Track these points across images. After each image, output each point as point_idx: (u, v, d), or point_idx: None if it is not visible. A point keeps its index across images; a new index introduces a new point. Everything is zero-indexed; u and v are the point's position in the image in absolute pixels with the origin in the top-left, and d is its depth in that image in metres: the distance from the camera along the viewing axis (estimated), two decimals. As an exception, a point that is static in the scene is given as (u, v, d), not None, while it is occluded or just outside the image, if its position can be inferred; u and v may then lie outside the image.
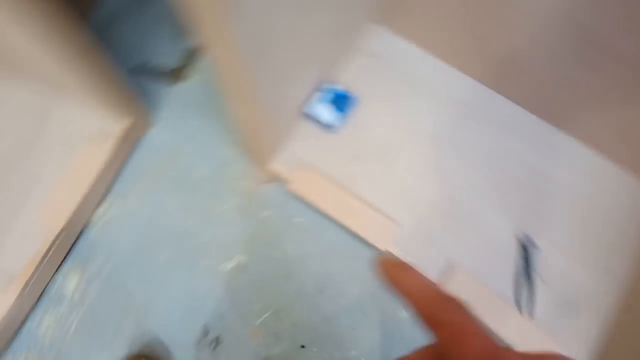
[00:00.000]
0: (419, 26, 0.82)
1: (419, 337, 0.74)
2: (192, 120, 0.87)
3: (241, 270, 0.80)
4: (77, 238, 0.78)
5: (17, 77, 0.79)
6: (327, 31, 0.68)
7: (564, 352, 0.24)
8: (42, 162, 0.76)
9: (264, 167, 0.79)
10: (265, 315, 0.77)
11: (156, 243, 0.80)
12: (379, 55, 0.84)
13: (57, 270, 0.76)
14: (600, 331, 0.71)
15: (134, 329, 0.75)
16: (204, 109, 0.88)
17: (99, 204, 0.80)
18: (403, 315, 0.77)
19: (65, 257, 0.77)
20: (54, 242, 0.71)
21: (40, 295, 0.75)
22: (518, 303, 0.70)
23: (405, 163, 0.78)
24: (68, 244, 0.76)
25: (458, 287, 0.71)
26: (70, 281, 0.77)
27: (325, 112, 0.77)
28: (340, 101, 0.78)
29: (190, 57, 0.91)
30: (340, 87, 0.79)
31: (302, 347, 0.76)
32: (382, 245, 0.74)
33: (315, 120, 0.78)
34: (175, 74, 0.90)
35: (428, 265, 0.73)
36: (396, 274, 0.26)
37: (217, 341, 0.76)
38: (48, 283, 0.75)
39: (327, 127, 0.78)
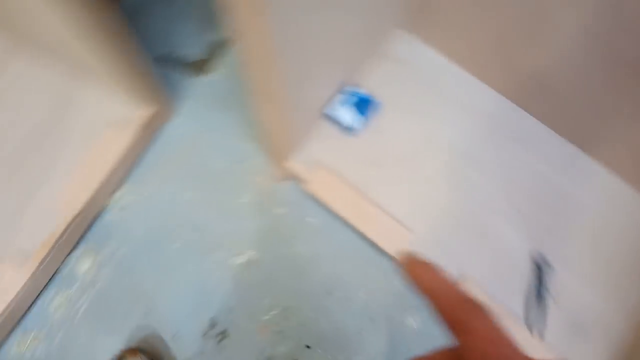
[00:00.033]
0: (446, 35, 0.80)
1: (425, 347, 0.73)
2: (213, 113, 0.87)
3: (252, 266, 0.79)
4: (93, 221, 0.78)
5: (44, 58, 0.79)
6: (355, 33, 0.67)
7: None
8: (63, 143, 0.76)
9: (281, 165, 0.78)
10: (272, 313, 0.77)
11: (170, 232, 0.80)
12: (405, 61, 0.82)
13: (71, 251, 0.76)
14: (611, 354, 0.70)
15: (142, 316, 0.75)
16: (225, 103, 0.88)
17: (116, 189, 0.80)
18: (410, 324, 0.76)
19: (79, 239, 0.77)
20: (70, 223, 0.71)
21: (53, 275, 0.75)
22: (528, 322, 0.69)
23: (423, 171, 0.77)
24: (84, 226, 0.76)
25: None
26: (83, 263, 0.77)
27: (346, 114, 0.76)
28: (363, 105, 0.77)
29: (215, 50, 0.91)
30: (363, 90, 0.78)
31: (308, 347, 0.75)
32: (393, 252, 0.73)
33: (336, 122, 0.77)
34: (199, 65, 0.89)
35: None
36: (420, 273, 0.26)
37: (223, 334, 0.75)
38: (61, 263, 0.76)
39: (347, 129, 0.77)
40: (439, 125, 0.80)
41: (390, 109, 0.80)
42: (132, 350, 0.70)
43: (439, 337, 0.69)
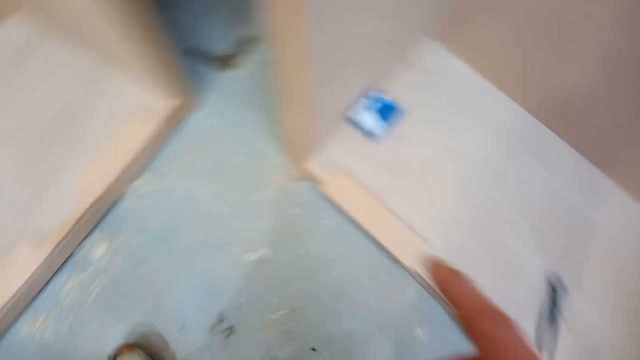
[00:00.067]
0: (475, 48, 0.79)
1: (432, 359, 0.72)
2: (236, 109, 0.86)
3: (263, 263, 0.78)
4: (110, 208, 0.78)
5: (76, 43, 0.79)
6: (386, 39, 0.66)
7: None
8: (88, 128, 0.75)
9: (300, 165, 0.77)
10: (281, 312, 0.75)
11: (185, 224, 0.79)
12: (432, 71, 0.81)
13: (87, 236, 0.76)
14: (619, 384, 0.68)
15: (151, 305, 0.74)
16: (248, 100, 0.87)
17: (135, 178, 0.80)
18: (418, 335, 0.74)
19: (96, 225, 0.77)
20: (89, 208, 0.71)
21: (68, 258, 0.74)
22: (539, 343, 0.67)
23: (443, 183, 0.76)
24: (101, 212, 0.76)
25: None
26: (97, 249, 0.76)
27: (369, 119, 0.75)
28: (386, 111, 0.76)
29: (243, 46, 0.90)
30: (388, 97, 0.77)
31: (313, 350, 0.74)
32: (408, 261, 0.72)
33: (358, 127, 0.76)
34: (226, 61, 0.88)
35: (451, 289, 0.70)
36: (448, 280, 0.26)
37: (230, 330, 0.74)
38: (76, 247, 0.75)
39: (368, 135, 0.76)
40: (461, 137, 0.78)
41: (414, 117, 0.78)
42: (130, 346, 0.69)
43: (447, 350, 0.68)
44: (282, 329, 0.75)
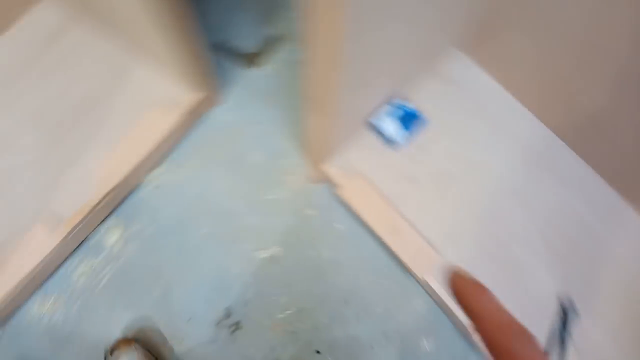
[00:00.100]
0: (502, 62, 0.77)
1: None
2: (258, 106, 0.85)
3: (274, 262, 0.77)
4: (127, 196, 0.77)
5: (106, 30, 0.78)
6: (416, 47, 0.64)
7: None
8: (111, 114, 0.75)
9: (317, 167, 0.76)
10: (287, 312, 0.74)
11: (199, 217, 0.78)
12: (457, 82, 0.79)
13: (102, 222, 0.75)
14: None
15: (160, 295, 0.74)
16: (270, 98, 0.86)
17: (154, 168, 0.79)
18: (424, 346, 0.72)
19: (112, 211, 0.76)
20: (106, 195, 0.70)
21: (82, 242, 0.74)
22: (547, 365, 0.65)
23: (460, 195, 0.74)
24: (118, 199, 0.75)
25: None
26: (111, 235, 0.75)
27: (390, 126, 0.73)
28: (408, 119, 0.74)
29: (270, 44, 0.88)
30: (411, 105, 0.75)
31: (318, 352, 0.72)
32: (419, 272, 0.70)
33: (379, 133, 0.75)
34: (251, 58, 0.87)
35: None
36: (469, 293, 0.24)
37: (236, 326, 0.73)
38: (91, 232, 0.75)
39: (389, 141, 0.74)
40: (481, 150, 0.76)
41: (436, 128, 0.76)
42: (127, 341, 0.68)
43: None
44: (288, 328, 0.73)
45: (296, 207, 0.80)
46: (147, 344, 0.70)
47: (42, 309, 0.71)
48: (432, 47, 0.72)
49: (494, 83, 0.79)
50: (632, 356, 0.67)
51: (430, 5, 0.55)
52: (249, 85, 0.86)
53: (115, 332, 0.71)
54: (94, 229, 0.75)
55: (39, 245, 0.66)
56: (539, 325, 0.67)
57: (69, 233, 0.68)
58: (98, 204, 0.70)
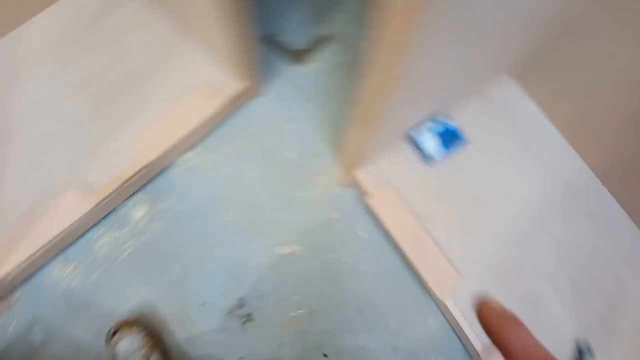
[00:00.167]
0: (551, 92, 0.73)
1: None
2: (297, 103, 0.83)
3: (293, 259, 0.75)
4: (158, 174, 0.75)
5: (160, 8, 0.76)
6: (470, 70, 0.61)
7: None
8: (153, 93, 0.73)
9: (349, 172, 0.73)
10: (300, 311, 0.72)
11: (225, 204, 0.76)
12: (502, 107, 0.76)
13: (130, 196, 0.74)
14: None
15: (178, 276, 0.72)
16: (310, 97, 0.83)
17: (188, 150, 0.77)
18: (432, 366, 0.70)
19: (142, 187, 0.74)
20: (139, 171, 0.68)
21: (108, 213, 0.72)
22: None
23: (490, 221, 0.71)
24: (149, 176, 0.73)
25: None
26: (138, 210, 0.74)
27: (430, 142, 0.71)
28: (449, 137, 0.71)
29: (318, 44, 0.86)
30: (453, 123, 0.72)
31: (325, 356, 0.70)
32: (439, 292, 0.67)
33: (417, 147, 0.72)
34: (298, 55, 0.85)
35: (475, 332, 0.66)
36: (501, 326, 0.23)
37: (248, 317, 0.71)
38: (119, 205, 0.73)
39: (426, 157, 0.71)
40: (517, 179, 0.73)
41: (474, 149, 0.73)
42: (130, 323, 0.66)
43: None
44: (299, 328, 0.71)
45: (322, 208, 0.78)
46: (149, 328, 0.68)
47: (61, 273, 0.70)
48: (486, 71, 0.69)
49: (540, 113, 0.76)
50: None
51: (496, 31, 0.52)
52: (291, 81, 0.84)
53: (130, 305, 0.70)
54: (122, 201, 0.73)
55: (67, 212, 0.65)
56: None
57: (98, 203, 0.66)
58: (130, 178, 0.68)
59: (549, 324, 0.67)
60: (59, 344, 0.67)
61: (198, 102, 0.72)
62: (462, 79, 0.62)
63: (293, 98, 0.83)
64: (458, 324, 0.67)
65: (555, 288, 0.68)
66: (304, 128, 0.81)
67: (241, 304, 0.72)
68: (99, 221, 0.72)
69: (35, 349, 0.67)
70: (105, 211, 0.71)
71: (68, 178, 0.67)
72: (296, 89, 0.84)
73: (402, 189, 0.71)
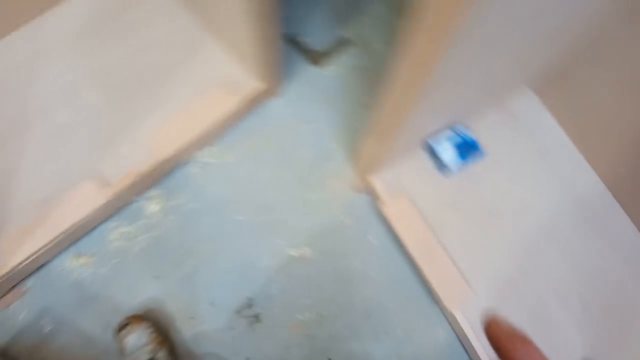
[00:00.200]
0: (570, 108, 0.72)
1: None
2: (314, 105, 0.82)
3: (303, 262, 0.74)
4: (174, 169, 0.75)
5: (183, 2, 0.75)
6: (492, 82, 0.60)
7: None
8: (173, 87, 0.72)
9: (364, 177, 0.72)
10: (308, 315, 0.71)
11: (238, 203, 0.76)
12: (521, 119, 0.75)
13: (145, 190, 0.73)
14: None
15: (189, 273, 0.71)
16: (328, 99, 0.82)
17: (204, 147, 0.76)
18: (438, 377, 0.69)
19: (156, 182, 0.74)
20: (154, 166, 0.68)
21: (122, 206, 0.72)
22: None
23: (503, 234, 0.70)
24: (165, 171, 0.73)
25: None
26: (152, 205, 0.73)
27: (448, 152, 0.70)
28: (466, 148, 0.70)
29: (338, 47, 0.85)
30: (471, 134, 0.71)
31: (330, 361, 0.70)
32: (448, 303, 0.67)
33: (434, 155, 0.71)
34: (317, 57, 0.84)
35: (482, 344, 0.65)
36: (510, 344, 0.21)
37: (256, 318, 0.71)
38: (133, 198, 0.73)
39: (442, 166, 0.70)
40: (533, 195, 0.72)
41: (491, 161, 0.72)
42: (139, 318, 0.66)
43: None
44: (306, 332, 0.71)
45: (334, 213, 0.77)
46: (157, 324, 0.68)
47: (73, 264, 0.69)
48: (508, 84, 0.68)
49: (558, 128, 0.75)
50: None
51: (522, 47, 0.51)
52: (309, 83, 0.83)
53: (139, 300, 0.69)
54: (137, 195, 0.73)
55: (82, 203, 0.65)
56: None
57: (114, 196, 0.66)
58: (146, 172, 0.67)
59: (557, 341, 0.66)
60: (68, 334, 0.67)
61: (217, 99, 0.71)
62: (484, 91, 0.61)
63: (310, 99, 0.82)
64: (465, 336, 0.67)
65: (565, 305, 0.67)
66: (319, 130, 0.81)
67: (250, 304, 0.71)
68: (113, 214, 0.71)
69: (44, 339, 0.66)
70: (120, 204, 0.70)
71: (84, 169, 0.67)
72: (314, 90, 0.83)
73: (416, 197, 0.70)
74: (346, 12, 0.87)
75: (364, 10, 0.88)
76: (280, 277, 0.73)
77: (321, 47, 0.84)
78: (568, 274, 0.69)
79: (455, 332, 0.70)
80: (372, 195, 0.74)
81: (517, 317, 0.66)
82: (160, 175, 0.73)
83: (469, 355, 0.69)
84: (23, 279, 0.68)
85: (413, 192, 0.71)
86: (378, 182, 0.71)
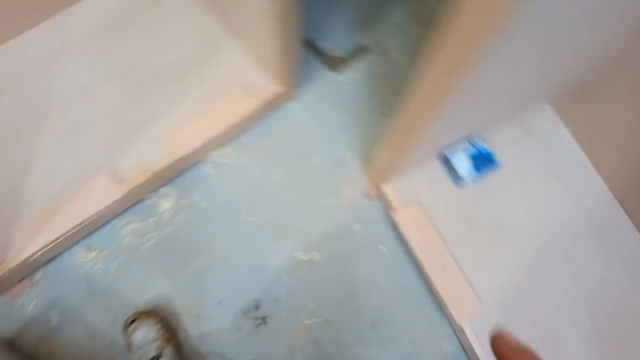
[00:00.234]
0: (590, 127, 0.71)
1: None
2: (330, 111, 0.81)
3: (311, 266, 0.73)
4: (187, 168, 0.74)
5: (206, 3, 0.75)
6: (513, 97, 0.59)
7: None
8: (191, 87, 0.72)
9: (377, 185, 0.72)
10: (314, 320, 0.71)
11: (250, 204, 0.75)
12: (537, 134, 0.74)
13: (158, 187, 0.73)
14: None
15: (198, 271, 0.71)
16: (344, 105, 0.82)
17: (218, 147, 0.76)
18: (443, 389, 0.68)
19: (170, 180, 0.74)
20: (169, 165, 0.68)
21: (135, 203, 0.72)
22: None
23: (515, 249, 0.69)
24: (179, 170, 0.72)
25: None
26: (165, 202, 0.73)
27: (464, 163, 0.69)
28: (482, 160, 0.70)
29: (356, 53, 0.84)
30: (487, 146, 0.71)
31: (336, 367, 0.69)
32: (457, 316, 0.66)
33: (449, 166, 0.70)
34: (336, 62, 0.83)
35: (489, 359, 0.64)
36: (515, 359, 0.22)
37: (263, 320, 0.70)
38: (146, 195, 0.72)
39: (456, 178, 0.70)
40: (546, 210, 0.71)
41: (505, 174, 0.71)
42: (147, 314, 0.65)
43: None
44: (312, 337, 0.70)
45: (345, 219, 0.76)
46: (165, 321, 0.67)
47: (84, 258, 0.69)
48: (528, 99, 0.67)
49: (574, 144, 0.74)
50: None
51: (547, 63, 0.50)
52: (326, 88, 0.83)
53: (148, 296, 0.69)
54: (150, 192, 0.72)
55: (97, 198, 0.64)
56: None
57: (128, 192, 0.66)
58: (161, 170, 0.67)
59: (565, 358, 0.65)
60: (75, 327, 0.67)
61: (235, 100, 0.71)
62: (504, 106, 0.60)
63: (326, 104, 0.82)
64: (472, 349, 0.66)
65: (576, 324, 0.66)
66: (334, 136, 0.80)
67: (257, 306, 0.71)
68: (126, 210, 0.71)
69: (51, 330, 0.66)
70: (133, 200, 0.70)
71: (100, 164, 0.66)
72: (330, 95, 0.82)
73: (429, 207, 0.70)
74: (366, 19, 0.87)
75: (384, 18, 0.88)
76: (289, 280, 0.73)
77: (340, 53, 0.84)
78: (578, 290, 0.68)
79: (462, 345, 0.69)
80: (384, 203, 0.73)
81: (525, 332, 0.65)
82: (174, 173, 0.72)
83: (474, 368, 0.68)
84: (33, 270, 0.68)
85: (426, 202, 0.70)
86: (391, 190, 0.70)
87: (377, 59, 0.85)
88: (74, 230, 0.64)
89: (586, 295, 0.68)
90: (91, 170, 0.66)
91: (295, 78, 0.75)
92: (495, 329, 0.23)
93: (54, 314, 0.67)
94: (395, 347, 0.70)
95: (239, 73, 0.73)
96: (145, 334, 0.63)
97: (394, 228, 0.73)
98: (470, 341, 0.65)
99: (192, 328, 0.69)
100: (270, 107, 0.76)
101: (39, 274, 0.68)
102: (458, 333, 0.69)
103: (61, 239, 0.63)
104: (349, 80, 0.83)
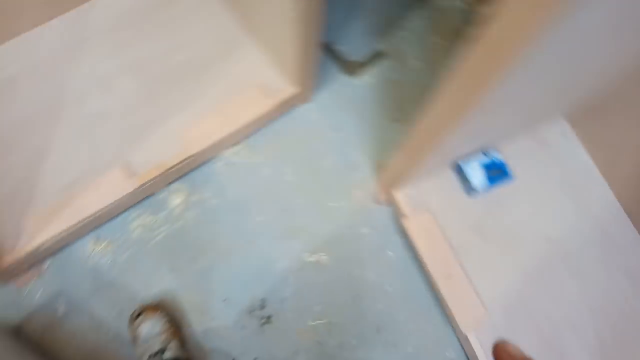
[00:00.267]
0: (605, 142, 0.71)
1: None
2: (344, 114, 0.81)
3: (318, 268, 0.73)
4: (200, 165, 0.74)
5: (226, 2, 0.75)
6: (531, 111, 0.59)
7: None
8: (207, 85, 0.72)
9: (388, 190, 0.71)
10: (319, 322, 0.70)
11: (260, 203, 0.75)
12: (551, 147, 0.73)
13: (170, 182, 0.73)
14: None
15: (205, 268, 0.71)
16: (359, 110, 0.81)
17: (231, 146, 0.76)
18: (445, 398, 0.68)
19: (182, 175, 0.73)
20: (183, 160, 0.67)
21: (146, 197, 0.71)
22: None
23: (524, 261, 0.68)
24: (191, 166, 0.72)
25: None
26: (175, 197, 0.73)
27: (477, 173, 0.68)
28: (494, 171, 0.69)
29: (373, 58, 0.84)
30: (501, 157, 0.70)
31: (339, 371, 0.68)
32: (462, 324, 0.65)
33: (461, 175, 0.69)
34: (352, 66, 0.83)
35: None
36: None
37: (268, 319, 0.70)
38: (157, 190, 0.72)
39: (468, 187, 0.69)
40: (557, 224, 0.70)
41: (517, 186, 0.71)
42: (154, 307, 0.65)
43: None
44: (316, 338, 0.69)
45: (354, 222, 0.76)
46: (171, 315, 0.67)
47: (93, 249, 0.69)
48: (546, 114, 0.66)
49: (587, 159, 0.73)
50: None
51: (569, 79, 0.50)
52: (341, 92, 0.82)
53: (155, 290, 0.68)
54: (162, 187, 0.72)
55: (109, 190, 0.64)
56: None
57: (140, 186, 0.65)
58: (174, 166, 0.67)
59: (570, 374, 0.64)
60: (81, 318, 0.66)
61: (250, 99, 0.71)
62: (522, 120, 0.59)
63: (341, 108, 0.81)
64: (477, 359, 0.65)
65: (579, 335, 0.65)
66: (347, 139, 0.80)
67: (262, 305, 0.70)
68: (137, 203, 0.71)
69: (57, 320, 0.66)
70: (144, 194, 0.70)
71: (114, 157, 0.66)
72: (345, 99, 0.82)
73: (440, 215, 0.69)
74: (385, 24, 0.86)
75: (402, 25, 0.87)
76: (295, 281, 0.72)
77: (357, 57, 0.84)
78: (583, 301, 0.67)
79: (466, 354, 0.68)
80: (394, 209, 0.73)
81: (529, 342, 0.65)
82: (186, 169, 0.72)
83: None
84: (42, 259, 0.67)
85: (436, 210, 0.69)
86: (402, 197, 0.70)
87: (393, 65, 0.84)
88: (85, 222, 0.64)
89: (591, 305, 0.67)
90: (105, 163, 0.65)
91: (312, 80, 0.74)
92: (499, 338, 0.22)
93: (60, 303, 0.67)
94: (398, 352, 0.69)
95: (256, 72, 0.72)
96: (151, 327, 0.63)
97: (403, 234, 0.72)
98: (475, 350, 0.65)
99: (197, 324, 0.68)
100: (285, 107, 0.76)
101: (47, 263, 0.68)
102: (462, 342, 0.68)
103: (72, 229, 0.63)
104: (363, 85, 0.83)
